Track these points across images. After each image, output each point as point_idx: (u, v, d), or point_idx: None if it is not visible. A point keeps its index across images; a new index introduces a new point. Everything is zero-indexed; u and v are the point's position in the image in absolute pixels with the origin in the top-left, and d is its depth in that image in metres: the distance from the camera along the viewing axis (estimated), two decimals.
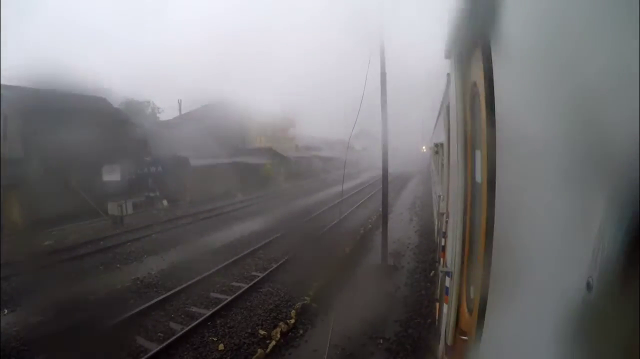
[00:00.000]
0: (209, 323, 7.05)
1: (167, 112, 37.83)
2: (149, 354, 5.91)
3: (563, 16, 0.72)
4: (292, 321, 6.90)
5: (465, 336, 2.07)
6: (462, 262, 2.31)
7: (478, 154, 2.06)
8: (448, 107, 3.40)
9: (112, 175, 19.14)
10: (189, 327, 6.76)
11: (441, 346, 2.98)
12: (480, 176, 1.99)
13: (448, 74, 3.35)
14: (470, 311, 2.12)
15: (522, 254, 0.97)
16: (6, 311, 7.78)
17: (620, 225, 0.49)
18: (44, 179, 16.42)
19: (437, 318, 4.31)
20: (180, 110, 38.01)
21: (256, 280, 9.02)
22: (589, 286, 0.55)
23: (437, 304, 4.19)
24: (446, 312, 2.54)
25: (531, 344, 0.83)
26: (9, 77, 16.53)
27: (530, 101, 0.94)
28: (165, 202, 21.88)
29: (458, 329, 2.27)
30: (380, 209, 10.85)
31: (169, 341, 6.29)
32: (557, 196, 0.75)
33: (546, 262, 0.79)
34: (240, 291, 8.38)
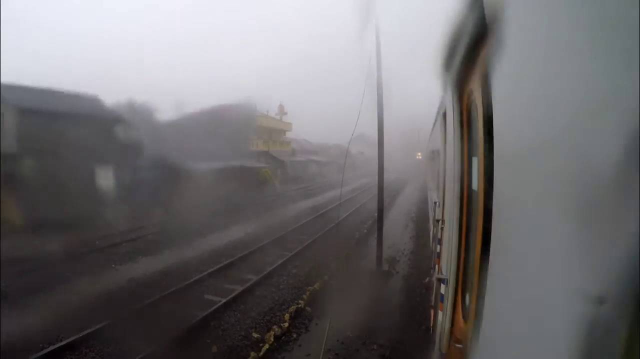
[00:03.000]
0: (202, 325, 7.00)
1: (165, 114, 37.85)
2: (141, 355, 5.85)
3: (559, 23, 0.72)
4: (286, 324, 6.86)
5: (459, 344, 2.06)
6: (458, 269, 2.30)
7: (474, 161, 2.06)
8: (445, 115, 3.41)
9: (105, 175, 18.98)
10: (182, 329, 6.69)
11: (435, 354, 2.96)
12: (476, 183, 1.99)
13: (445, 82, 3.36)
14: (465, 318, 2.11)
15: (518, 263, 0.97)
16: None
17: (619, 233, 0.49)
18: (36, 179, 16.24)
19: (432, 325, 4.30)
20: (178, 113, 38.10)
21: (250, 283, 8.98)
22: (588, 296, 0.55)
23: (432, 311, 4.18)
24: (441, 319, 2.53)
25: (527, 354, 0.83)
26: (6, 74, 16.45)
27: (526, 108, 0.93)
28: (160, 204, 21.75)
29: (453, 337, 2.26)
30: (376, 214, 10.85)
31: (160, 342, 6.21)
32: (554, 204, 0.74)
33: (543, 271, 0.79)
34: (235, 293, 8.34)
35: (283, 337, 6.51)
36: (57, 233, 12.28)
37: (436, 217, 5.25)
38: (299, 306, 7.59)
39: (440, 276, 2.72)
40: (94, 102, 21.51)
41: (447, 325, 2.31)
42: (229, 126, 30.37)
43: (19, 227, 13.46)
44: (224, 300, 7.88)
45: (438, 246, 4.25)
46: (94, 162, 18.16)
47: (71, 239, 12.30)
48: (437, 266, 3.98)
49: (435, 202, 6.15)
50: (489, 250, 1.28)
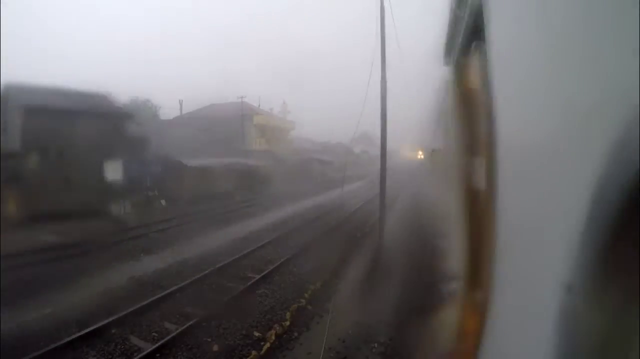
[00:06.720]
0: (203, 324, 7.02)
1: (169, 112, 37.93)
2: (142, 354, 5.88)
3: (561, 19, 0.72)
4: (287, 323, 6.87)
5: (464, 341, 2.06)
6: (461, 266, 2.31)
7: (478, 159, 2.07)
8: (446, 113, 3.41)
9: (112, 173, 19.11)
10: (184, 327, 6.73)
11: (439, 352, 2.97)
12: (478, 181, 1.99)
13: (446, 81, 3.36)
14: (468, 315, 2.12)
15: (521, 258, 0.97)
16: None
17: (624, 231, 0.49)
18: (43, 176, 16.39)
19: (434, 322, 4.30)
20: (181, 110, 38.19)
21: (252, 281, 8.99)
22: (583, 290, 0.55)
23: (435, 309, 4.18)
24: (444, 316, 2.54)
25: (531, 349, 0.83)
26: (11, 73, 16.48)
27: (528, 106, 0.94)
28: (163, 201, 21.86)
29: (457, 334, 2.27)
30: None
31: (163, 341, 6.26)
32: (552, 200, 0.75)
33: (546, 266, 0.79)
34: (235, 291, 8.35)
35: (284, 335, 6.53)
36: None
37: (439, 216, 5.25)
38: (301, 304, 7.60)
39: (445, 273, 2.73)
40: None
41: (452, 322, 2.31)
42: None
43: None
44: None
45: (443, 244, 4.26)
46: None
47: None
48: (442, 264, 3.99)
49: (440, 200, 6.15)
50: (493, 247, 1.29)
